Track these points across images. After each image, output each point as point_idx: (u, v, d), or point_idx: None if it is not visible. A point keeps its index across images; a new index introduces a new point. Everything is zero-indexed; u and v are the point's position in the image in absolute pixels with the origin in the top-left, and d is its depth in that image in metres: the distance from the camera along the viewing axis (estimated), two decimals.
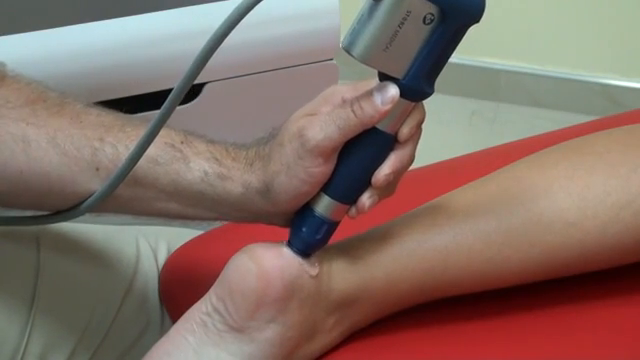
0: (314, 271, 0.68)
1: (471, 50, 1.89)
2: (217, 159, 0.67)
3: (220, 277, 0.68)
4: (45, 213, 0.72)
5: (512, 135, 1.01)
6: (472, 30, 0.63)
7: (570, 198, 0.70)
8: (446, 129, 1.91)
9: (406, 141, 0.65)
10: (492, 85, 1.98)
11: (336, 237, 0.69)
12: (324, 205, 0.67)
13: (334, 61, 1.02)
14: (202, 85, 1.00)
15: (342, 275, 0.69)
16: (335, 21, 1.00)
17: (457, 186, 0.76)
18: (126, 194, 0.68)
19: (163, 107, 0.63)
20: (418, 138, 0.66)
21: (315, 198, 0.67)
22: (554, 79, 1.98)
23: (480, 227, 0.70)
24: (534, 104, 1.99)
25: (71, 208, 0.70)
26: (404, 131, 0.65)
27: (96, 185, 0.68)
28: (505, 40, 1.96)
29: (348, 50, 0.61)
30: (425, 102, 0.65)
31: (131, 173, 0.66)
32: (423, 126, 0.67)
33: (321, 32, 1.00)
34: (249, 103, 1.03)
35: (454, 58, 0.64)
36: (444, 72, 0.64)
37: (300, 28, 1.00)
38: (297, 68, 1.01)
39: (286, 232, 0.69)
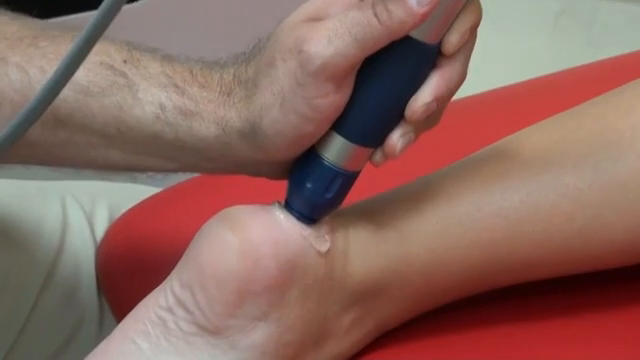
0: (324, 246, 0.68)
1: None
2: (178, 86, 0.67)
3: (185, 255, 0.68)
4: None
5: (615, 46, 1.00)
6: None
7: None
8: (521, 36, 1.91)
9: (454, 54, 0.65)
10: None
11: (349, 201, 0.69)
12: (337, 149, 0.67)
13: None
14: None
15: (365, 253, 0.70)
16: None
17: (533, 121, 0.76)
18: (44, 138, 0.69)
19: (100, 9, 0.63)
20: (471, 49, 0.66)
21: (323, 140, 0.67)
22: None
23: (567, 181, 0.71)
24: None
25: None
26: (452, 39, 0.65)
27: None
28: None
29: None
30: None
31: (50, 109, 0.63)
32: (483, 32, 0.67)
33: None
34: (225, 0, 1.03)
35: None
36: None
37: None
38: None
39: (281, 188, 0.69)
